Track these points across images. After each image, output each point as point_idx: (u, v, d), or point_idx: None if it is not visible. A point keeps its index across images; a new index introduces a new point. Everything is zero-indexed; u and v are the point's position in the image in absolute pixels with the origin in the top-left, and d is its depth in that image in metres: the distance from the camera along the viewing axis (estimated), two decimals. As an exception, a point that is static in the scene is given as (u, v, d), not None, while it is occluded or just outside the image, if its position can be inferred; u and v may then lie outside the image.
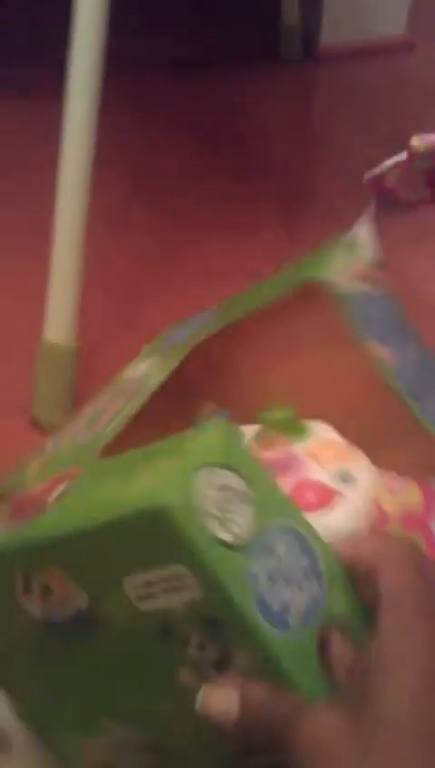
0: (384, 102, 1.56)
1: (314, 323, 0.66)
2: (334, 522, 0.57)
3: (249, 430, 0.64)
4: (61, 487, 0.52)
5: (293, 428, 0.63)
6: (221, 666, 0.46)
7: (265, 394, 0.66)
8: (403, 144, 0.69)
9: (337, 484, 0.60)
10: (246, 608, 0.43)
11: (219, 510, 0.43)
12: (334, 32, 1.70)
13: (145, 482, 0.45)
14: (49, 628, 0.50)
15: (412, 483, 0.65)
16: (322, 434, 0.64)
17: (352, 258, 0.67)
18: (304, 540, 0.46)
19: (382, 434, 0.62)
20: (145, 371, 0.67)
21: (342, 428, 0.65)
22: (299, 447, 0.62)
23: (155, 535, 0.43)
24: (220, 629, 0.44)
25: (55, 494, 0.51)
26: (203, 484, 0.43)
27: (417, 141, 0.66)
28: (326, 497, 0.59)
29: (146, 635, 0.47)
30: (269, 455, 0.60)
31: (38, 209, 0.96)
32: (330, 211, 1.17)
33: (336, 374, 0.66)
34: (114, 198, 1.26)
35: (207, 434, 0.47)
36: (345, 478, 0.61)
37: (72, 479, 0.53)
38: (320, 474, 0.60)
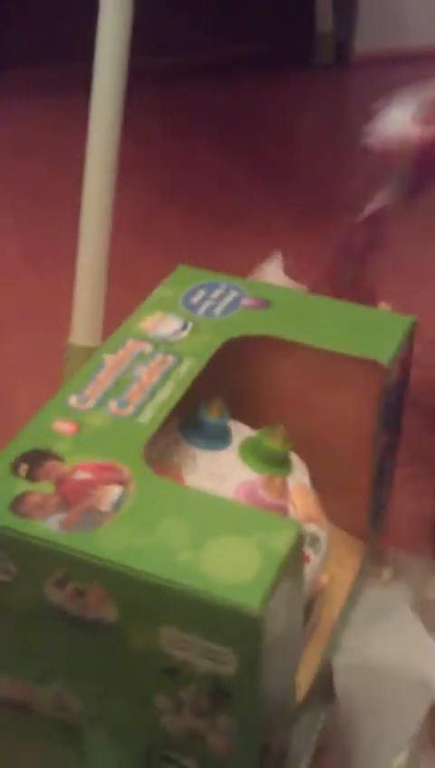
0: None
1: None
2: None
3: (245, 430, 0.65)
4: (111, 489, 0.51)
5: (282, 462, 0.63)
6: (201, 714, 0.50)
7: (265, 406, 0.67)
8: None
9: (307, 547, 0.60)
10: (260, 701, 0.49)
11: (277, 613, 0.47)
12: (369, 38, 1.68)
13: (228, 570, 0.46)
14: (62, 614, 0.50)
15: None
16: (298, 476, 0.64)
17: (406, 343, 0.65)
18: None
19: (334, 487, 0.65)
20: (171, 334, 0.64)
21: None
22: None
23: (223, 623, 0.46)
24: (225, 697, 0.48)
25: (105, 494, 0.51)
26: (282, 593, 0.47)
27: None
28: None
29: (154, 663, 0.49)
30: (274, 501, 0.60)
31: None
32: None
33: (333, 422, 0.67)
34: (145, 209, 1.24)
35: (281, 529, 0.49)
36: (312, 541, 0.62)
37: (119, 481, 0.51)
38: None
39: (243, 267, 0.95)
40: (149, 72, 1.52)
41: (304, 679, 0.61)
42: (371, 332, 0.65)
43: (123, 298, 0.78)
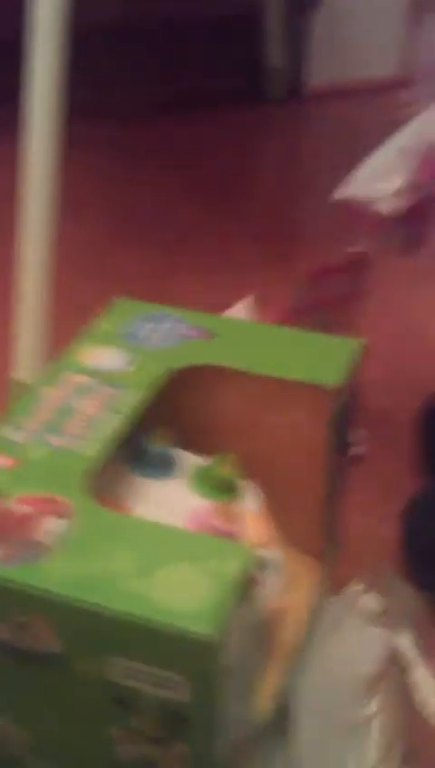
0: (372, 142, 1.56)
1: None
2: None
3: (193, 459, 0.65)
4: (52, 521, 0.51)
5: (232, 489, 0.64)
6: (156, 741, 0.50)
7: (214, 434, 0.67)
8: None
9: (259, 572, 0.58)
10: (217, 728, 0.49)
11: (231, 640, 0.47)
12: (321, 72, 1.71)
13: (179, 597, 0.46)
14: (7, 648, 0.50)
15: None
16: (250, 502, 0.65)
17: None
18: None
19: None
20: (111, 366, 0.64)
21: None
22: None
23: (176, 651, 0.46)
24: (180, 725, 0.48)
25: (46, 527, 0.51)
26: (235, 619, 0.47)
27: None
28: None
29: (104, 692, 0.49)
30: (225, 527, 0.61)
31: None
32: (315, 250, 1.17)
33: (284, 446, 0.67)
34: (96, 245, 1.25)
35: (232, 554, 0.50)
36: (265, 566, 0.61)
37: (60, 513, 0.52)
38: None
39: (196, 301, 0.96)
40: (103, 109, 1.55)
41: (263, 704, 0.61)
42: (318, 357, 0.66)
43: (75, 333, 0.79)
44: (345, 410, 0.67)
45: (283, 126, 1.67)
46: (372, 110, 1.69)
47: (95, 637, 0.48)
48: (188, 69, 1.67)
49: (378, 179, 0.78)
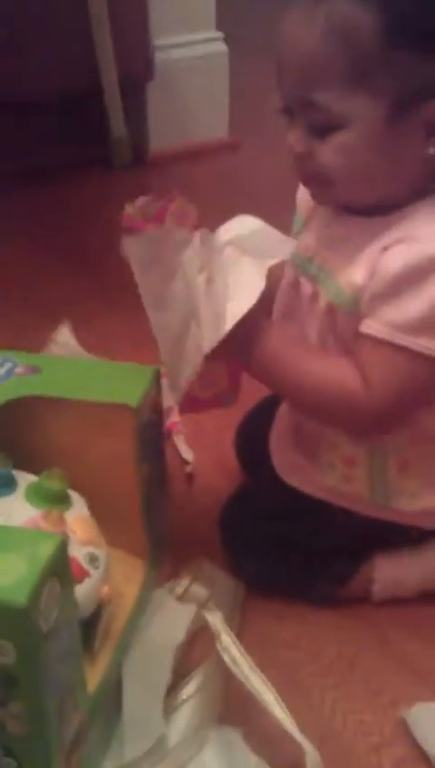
0: (211, 200, 1.69)
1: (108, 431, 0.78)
2: (79, 595, 0.68)
3: (30, 477, 0.77)
4: None
5: (61, 499, 0.76)
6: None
7: (47, 454, 0.79)
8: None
9: (87, 564, 0.73)
10: (44, 686, 0.60)
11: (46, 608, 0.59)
12: (161, 138, 1.86)
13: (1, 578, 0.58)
14: None
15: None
16: (78, 509, 0.77)
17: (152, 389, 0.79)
18: None
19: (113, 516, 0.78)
20: None
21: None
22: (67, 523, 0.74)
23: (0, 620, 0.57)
24: (12, 685, 0.59)
25: None
26: (50, 591, 0.59)
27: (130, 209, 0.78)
28: (79, 574, 0.71)
29: None
30: (52, 529, 0.72)
31: None
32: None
33: (103, 460, 0.79)
34: None
35: (44, 540, 0.61)
36: (93, 560, 0.73)
37: None
38: (77, 552, 0.73)
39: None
40: None
41: (95, 676, 0.72)
42: (123, 382, 0.78)
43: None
44: (151, 426, 0.80)
45: (129, 190, 1.80)
46: (209, 170, 1.84)
47: None
48: (38, 143, 1.79)
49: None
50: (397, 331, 0.71)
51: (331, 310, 0.76)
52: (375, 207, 0.75)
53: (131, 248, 0.75)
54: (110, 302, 1.37)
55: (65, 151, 1.82)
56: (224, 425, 1.03)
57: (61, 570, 0.61)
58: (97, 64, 1.71)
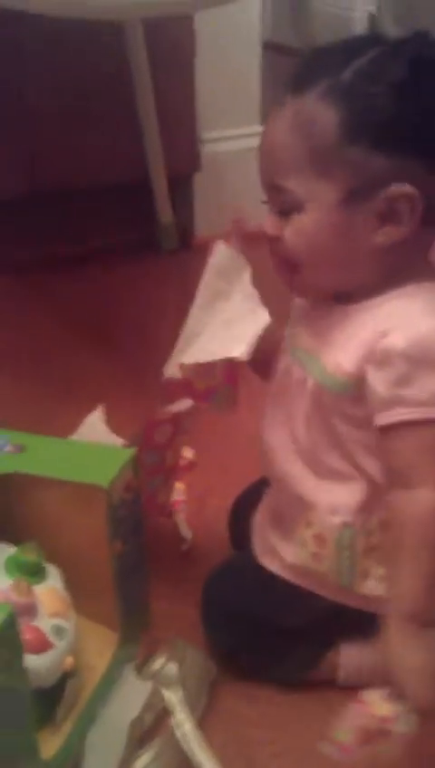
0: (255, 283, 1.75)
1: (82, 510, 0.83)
2: (40, 665, 0.75)
3: (11, 549, 0.82)
4: None
5: (35, 571, 0.81)
6: None
7: (29, 528, 0.84)
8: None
9: (52, 636, 0.77)
10: None
11: None
12: (207, 225, 1.94)
13: None
14: None
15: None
16: (51, 582, 0.81)
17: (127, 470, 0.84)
18: None
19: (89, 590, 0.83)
20: None
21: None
22: (37, 594, 0.79)
23: None
24: None
25: None
26: None
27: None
28: (42, 645, 0.76)
29: None
30: (20, 600, 0.77)
31: None
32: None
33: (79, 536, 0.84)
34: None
35: None
36: (59, 632, 0.78)
37: None
38: (44, 623, 0.77)
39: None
40: (6, 263, 1.75)
41: (55, 745, 0.76)
42: (99, 463, 0.84)
43: None
44: (125, 505, 0.84)
45: (175, 274, 1.88)
46: (250, 254, 1.89)
47: None
48: (90, 228, 1.89)
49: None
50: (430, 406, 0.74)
51: (317, 390, 0.81)
52: (351, 295, 0.80)
53: (218, 253, 0.94)
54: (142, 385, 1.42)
55: (114, 237, 1.91)
56: (226, 504, 1.06)
57: (9, 639, 0.66)
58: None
